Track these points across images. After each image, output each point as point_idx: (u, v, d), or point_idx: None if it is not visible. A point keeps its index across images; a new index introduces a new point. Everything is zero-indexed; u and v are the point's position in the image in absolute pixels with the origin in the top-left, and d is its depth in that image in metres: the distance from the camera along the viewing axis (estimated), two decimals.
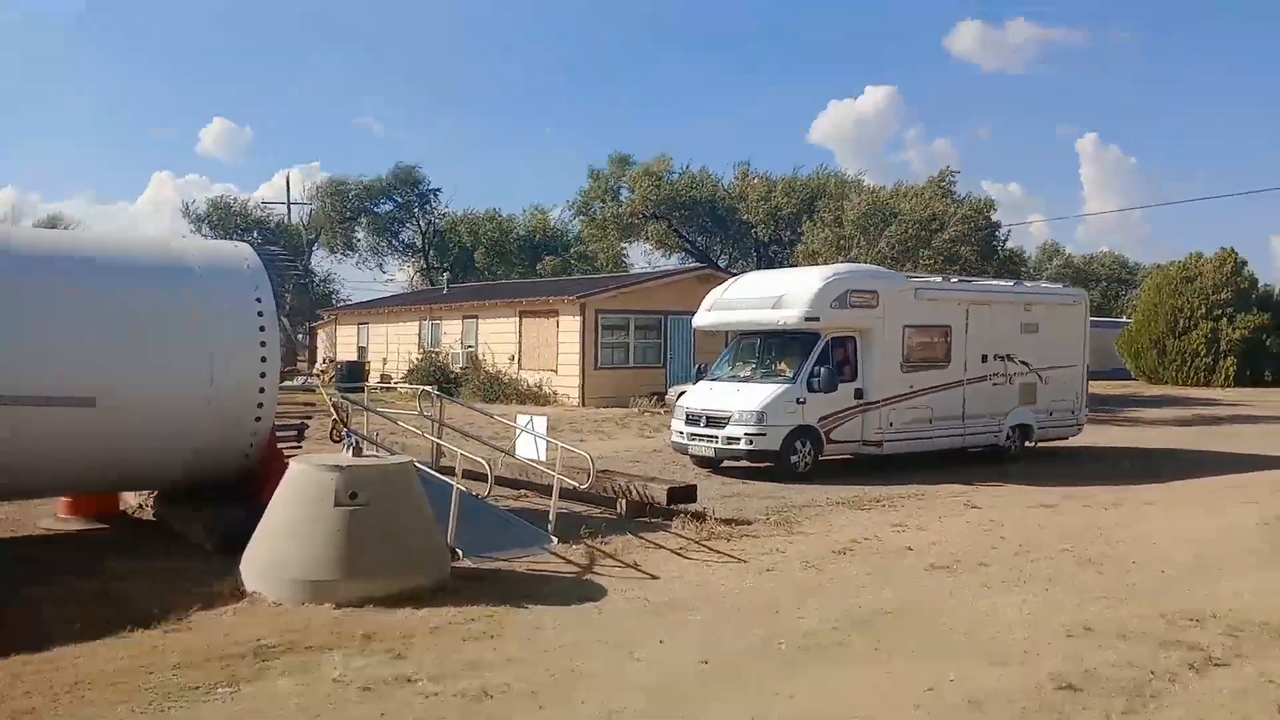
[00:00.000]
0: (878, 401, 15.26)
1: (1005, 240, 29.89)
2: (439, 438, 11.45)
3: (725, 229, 37.93)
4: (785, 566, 9.23)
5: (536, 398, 28.16)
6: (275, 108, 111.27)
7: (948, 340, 16.26)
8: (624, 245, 42.60)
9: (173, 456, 9.87)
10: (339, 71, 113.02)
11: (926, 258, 26.32)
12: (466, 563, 9.04)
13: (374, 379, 35.47)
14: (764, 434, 14.29)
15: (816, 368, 14.69)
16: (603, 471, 11.99)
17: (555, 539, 9.78)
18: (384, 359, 36.52)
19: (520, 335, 30.15)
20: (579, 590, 8.32)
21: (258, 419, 10.00)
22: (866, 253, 26.18)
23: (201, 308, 9.67)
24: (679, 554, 9.63)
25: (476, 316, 32.08)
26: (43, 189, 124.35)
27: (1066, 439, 18.32)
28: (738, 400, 14.69)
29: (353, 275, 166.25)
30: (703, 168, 38.79)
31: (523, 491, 12.86)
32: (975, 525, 11.26)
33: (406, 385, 24.18)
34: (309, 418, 10.83)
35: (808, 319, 14.75)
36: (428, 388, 11.82)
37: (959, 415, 16.29)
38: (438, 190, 50.03)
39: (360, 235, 50.27)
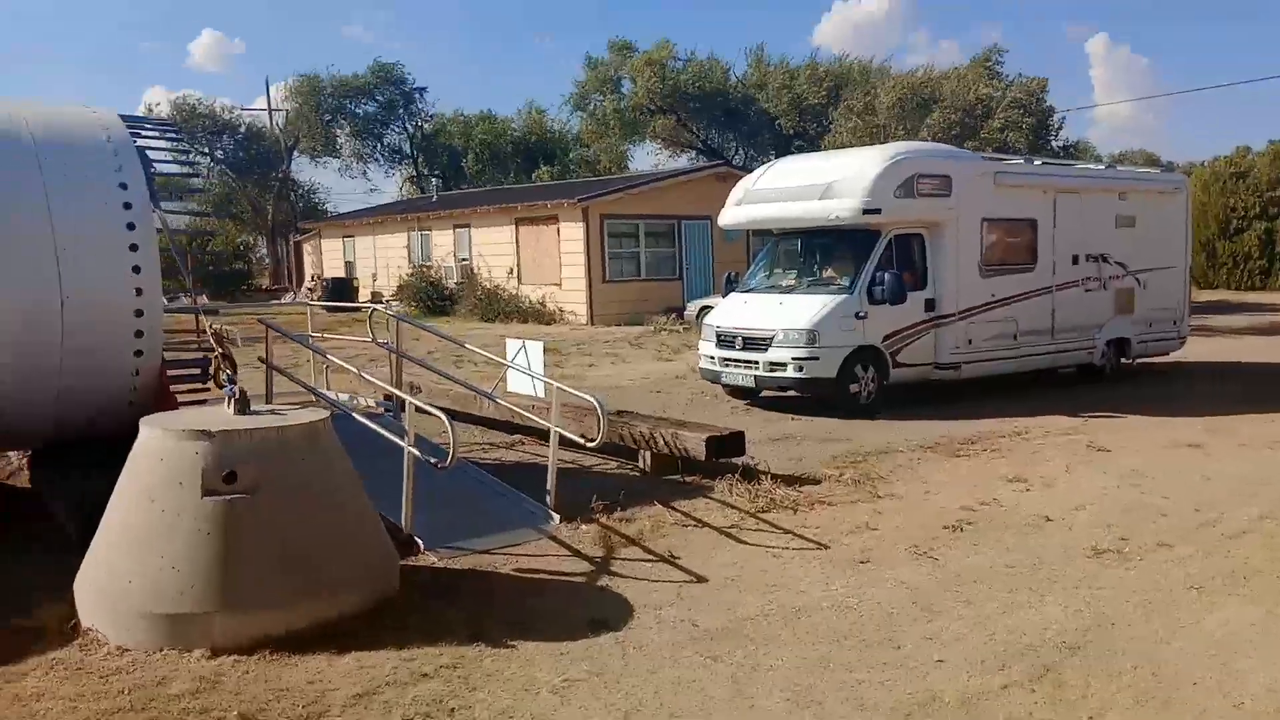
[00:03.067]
0: (953, 314, 12.33)
1: (1059, 128, 26.50)
2: (398, 375, 8.61)
3: (740, 123, 34.29)
4: (886, 554, 6.42)
5: (540, 315, 25.25)
6: (263, 17, 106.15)
7: (1033, 237, 13.24)
8: (628, 146, 39.10)
9: (25, 403, 7.05)
10: None
11: (974, 149, 23.02)
12: (430, 558, 6.26)
13: (364, 296, 32.62)
14: (817, 357, 11.39)
15: (879, 273, 11.71)
16: (619, 413, 9.16)
17: (556, 516, 6.98)
18: (373, 274, 33.53)
19: (518, 246, 27.08)
20: (591, 606, 5.54)
21: (138, 352, 7.13)
22: None
23: (36, 196, 6.70)
24: (730, 535, 6.83)
25: (469, 225, 28.96)
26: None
27: (1167, 354, 15.40)
28: (782, 316, 11.76)
29: (338, 185, 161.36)
30: (710, 54, 35.01)
31: (518, 438, 10.10)
32: (1118, 478, 8.43)
33: (356, 305, 21.40)
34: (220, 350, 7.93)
35: (866, 211, 11.72)
36: (378, 306, 8.91)
37: (1048, 329, 13.36)
38: (423, 89, 46.18)
39: (341, 139, 46.56)
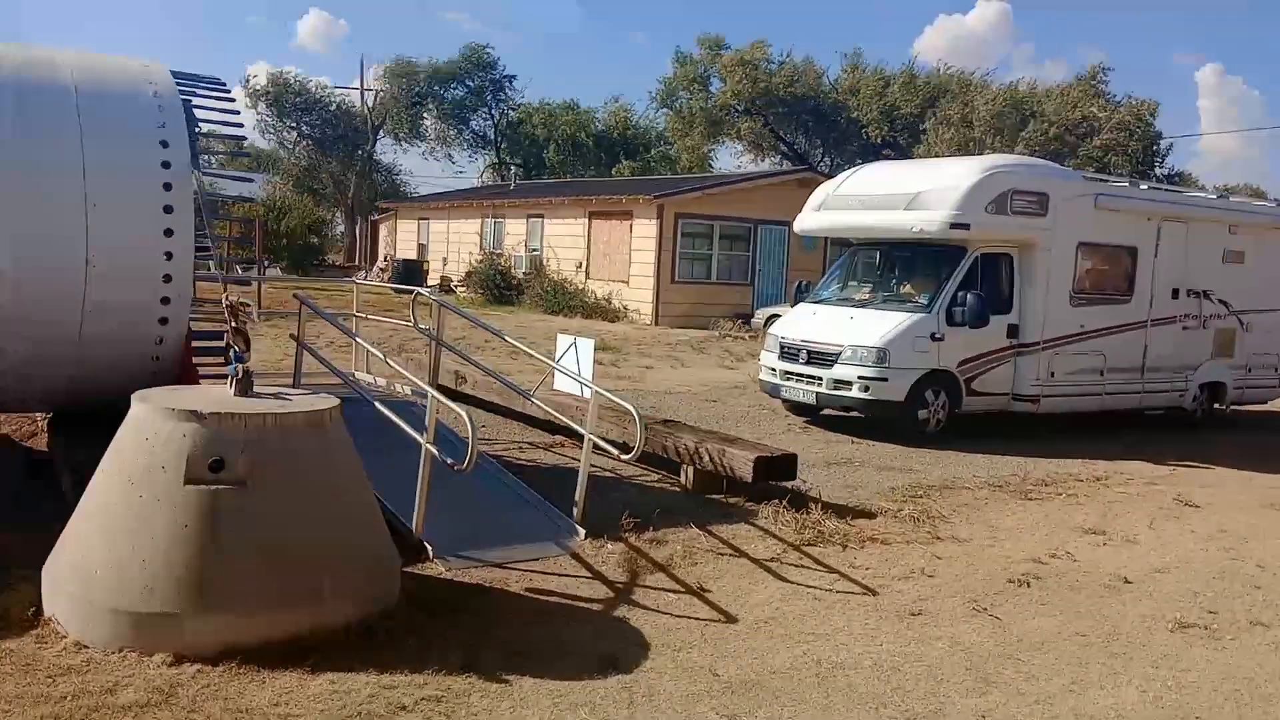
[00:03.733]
0: (1037, 343, 11.50)
1: (1166, 154, 25.15)
2: (436, 365, 8.18)
3: (829, 130, 33.42)
4: (941, 607, 5.76)
5: (604, 312, 24.77)
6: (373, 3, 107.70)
7: (1132, 266, 12.32)
8: (712, 146, 38.35)
9: (41, 366, 6.76)
10: None
11: (1072, 169, 21.93)
12: (438, 567, 5.77)
13: (433, 280, 32.53)
14: (885, 378, 10.67)
15: (961, 293, 10.95)
16: (664, 423, 8.60)
17: (581, 531, 6.44)
18: (444, 259, 33.41)
19: (589, 239, 26.64)
20: (604, 640, 4.99)
21: (163, 319, 6.80)
22: None
23: (71, 146, 6.37)
24: (770, 569, 6.22)
25: (542, 215, 28.60)
26: None
27: (1265, 403, 14.31)
28: (851, 331, 11.07)
29: (421, 169, 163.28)
30: (806, 58, 34.10)
31: (560, 439, 9.58)
32: (1207, 539, 7.61)
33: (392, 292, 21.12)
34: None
35: (954, 225, 10.95)
36: (422, 290, 8.48)
37: (1138, 366, 12.43)
38: (512, 77, 46.14)
39: (428, 122, 46.77)
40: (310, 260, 35.67)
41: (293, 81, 44.60)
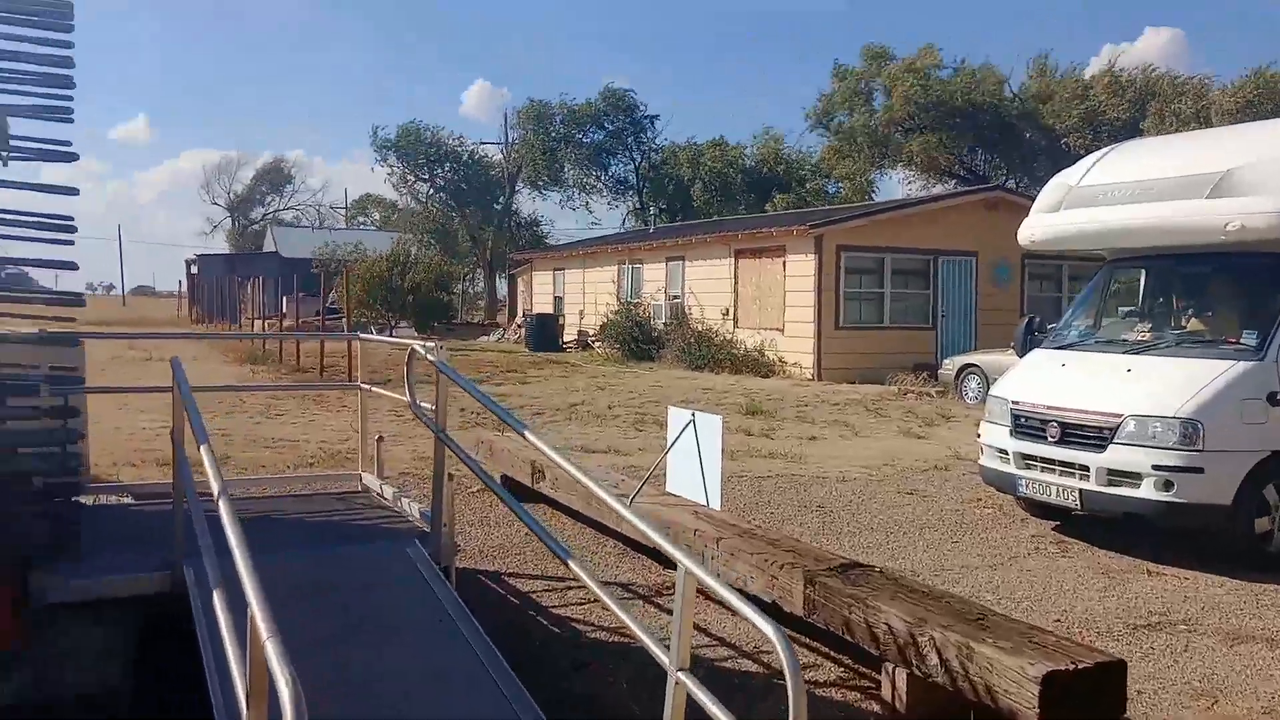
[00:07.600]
0: None
1: None
2: (437, 468, 4.79)
3: (1014, 146, 28.76)
4: None
5: (755, 366, 21.06)
6: (530, 66, 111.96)
7: None
8: (876, 172, 34.09)
9: None
10: (594, 31, 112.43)
11: None
12: None
13: (569, 336, 29.68)
14: (1199, 468, 6.61)
15: None
16: (843, 571, 4.83)
17: None
18: (580, 311, 30.50)
19: (736, 281, 23.06)
20: None
21: None
22: None
23: None
24: None
25: (682, 257, 25.22)
26: (323, 153, 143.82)
27: None
28: (1132, 392, 7.07)
29: (560, 218, 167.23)
30: (985, 62, 29.46)
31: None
32: None
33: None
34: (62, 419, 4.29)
35: None
36: (420, 345, 5.09)
37: None
38: (654, 118, 43.27)
39: (566, 168, 44.35)
40: (439, 318, 33.37)
41: (423, 133, 43.10)
